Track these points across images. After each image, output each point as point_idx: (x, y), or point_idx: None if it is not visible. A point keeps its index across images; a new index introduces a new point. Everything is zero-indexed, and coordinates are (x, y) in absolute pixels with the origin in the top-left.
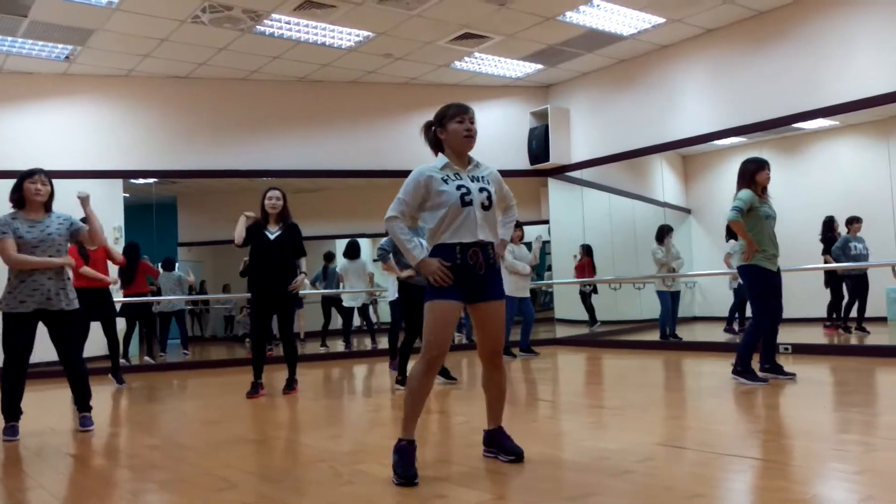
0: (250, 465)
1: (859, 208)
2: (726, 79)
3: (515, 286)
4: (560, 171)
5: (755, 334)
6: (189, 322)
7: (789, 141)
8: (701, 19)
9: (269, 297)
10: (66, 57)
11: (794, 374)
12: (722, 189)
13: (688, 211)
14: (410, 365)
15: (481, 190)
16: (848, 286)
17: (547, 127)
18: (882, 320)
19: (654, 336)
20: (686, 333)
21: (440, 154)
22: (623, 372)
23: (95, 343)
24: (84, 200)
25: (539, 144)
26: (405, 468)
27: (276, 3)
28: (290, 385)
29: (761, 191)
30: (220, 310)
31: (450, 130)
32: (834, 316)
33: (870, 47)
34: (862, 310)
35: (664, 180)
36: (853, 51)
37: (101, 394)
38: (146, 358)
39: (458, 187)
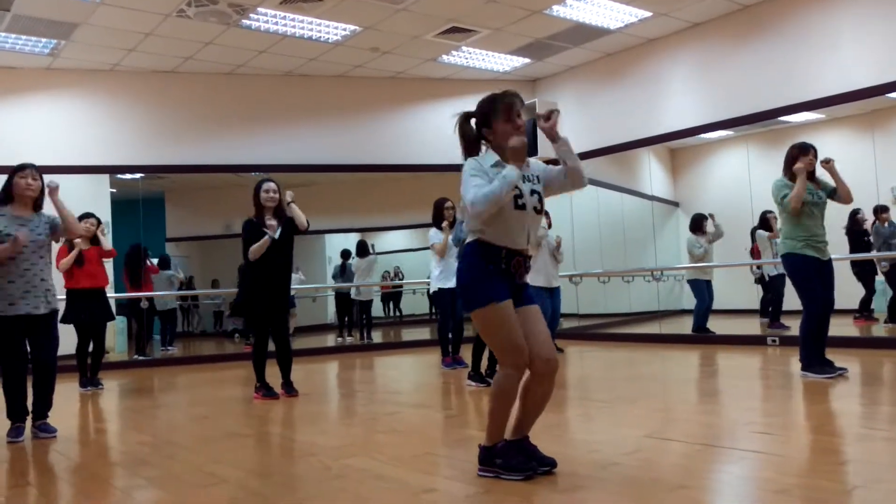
0: (239, 461)
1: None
2: (713, 72)
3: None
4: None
5: (808, 323)
6: (179, 318)
7: (776, 134)
8: (687, 13)
9: (270, 296)
10: (51, 51)
11: (845, 369)
12: (710, 182)
13: (676, 204)
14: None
15: (532, 192)
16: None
17: (534, 121)
18: None
19: (643, 329)
20: (674, 326)
21: (488, 150)
22: (611, 364)
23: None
24: (52, 191)
25: (527, 139)
26: (523, 462)
27: None
28: (292, 387)
29: (807, 176)
30: (209, 305)
31: (499, 132)
32: (862, 308)
33: (854, 41)
34: None
35: (652, 174)
36: (838, 44)
37: (85, 391)
38: (136, 356)
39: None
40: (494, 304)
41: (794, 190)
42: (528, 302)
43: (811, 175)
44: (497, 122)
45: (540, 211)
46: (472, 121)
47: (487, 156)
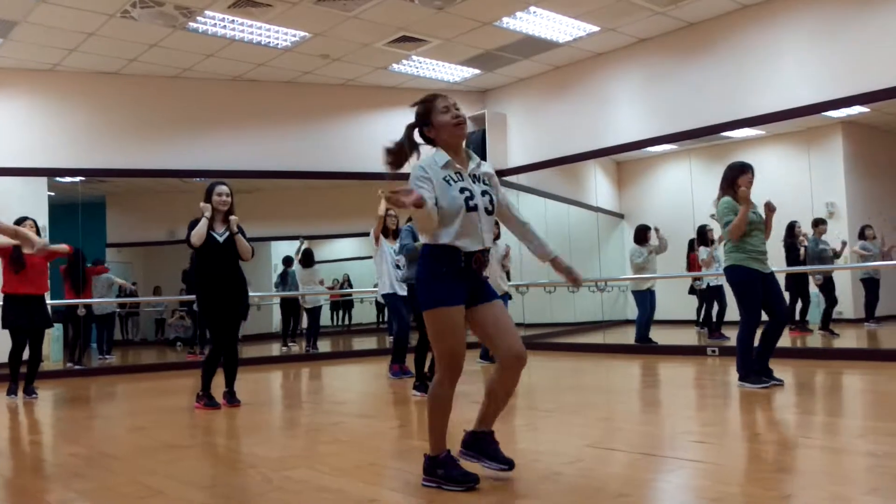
0: (177, 472)
1: (782, 214)
2: (658, 87)
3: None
4: (496, 176)
5: (746, 335)
6: (119, 325)
7: (718, 149)
8: (634, 29)
9: (220, 304)
10: None
11: (781, 381)
12: (654, 194)
13: (621, 216)
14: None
15: (483, 193)
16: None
17: (484, 132)
18: None
19: (587, 339)
20: (619, 336)
21: (437, 149)
22: (556, 374)
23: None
24: None
25: (476, 149)
26: (464, 475)
27: (210, 0)
28: (234, 397)
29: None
30: (150, 313)
31: (438, 124)
32: (797, 319)
33: (793, 61)
34: (828, 311)
35: (598, 186)
36: (778, 63)
37: (25, 400)
38: (70, 364)
39: (462, 190)
40: (443, 308)
41: (737, 218)
42: (491, 297)
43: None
44: (434, 117)
45: (491, 212)
46: (415, 131)
47: (437, 155)
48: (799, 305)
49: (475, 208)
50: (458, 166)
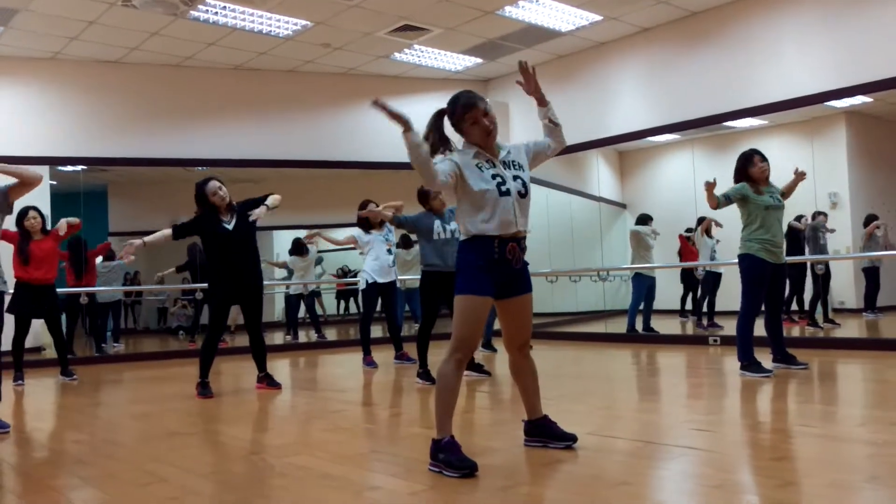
0: (180, 459)
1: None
2: (661, 77)
3: None
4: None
5: (745, 322)
6: (122, 314)
7: (721, 139)
8: (637, 18)
9: (236, 292)
10: None
11: (806, 364)
12: (657, 184)
13: (623, 206)
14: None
15: (515, 178)
16: (813, 278)
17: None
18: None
19: (589, 328)
20: (620, 326)
21: (465, 144)
22: (557, 363)
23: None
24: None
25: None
26: (461, 460)
27: None
28: (273, 379)
29: (764, 181)
30: (153, 301)
31: (468, 133)
32: (806, 310)
33: (796, 50)
34: (825, 301)
35: (600, 176)
36: (780, 53)
37: (28, 387)
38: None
39: (494, 176)
40: (471, 297)
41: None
42: (525, 289)
43: (765, 180)
44: (465, 126)
45: (524, 195)
46: (445, 119)
47: (466, 148)
48: (806, 295)
49: (507, 193)
50: (488, 155)
